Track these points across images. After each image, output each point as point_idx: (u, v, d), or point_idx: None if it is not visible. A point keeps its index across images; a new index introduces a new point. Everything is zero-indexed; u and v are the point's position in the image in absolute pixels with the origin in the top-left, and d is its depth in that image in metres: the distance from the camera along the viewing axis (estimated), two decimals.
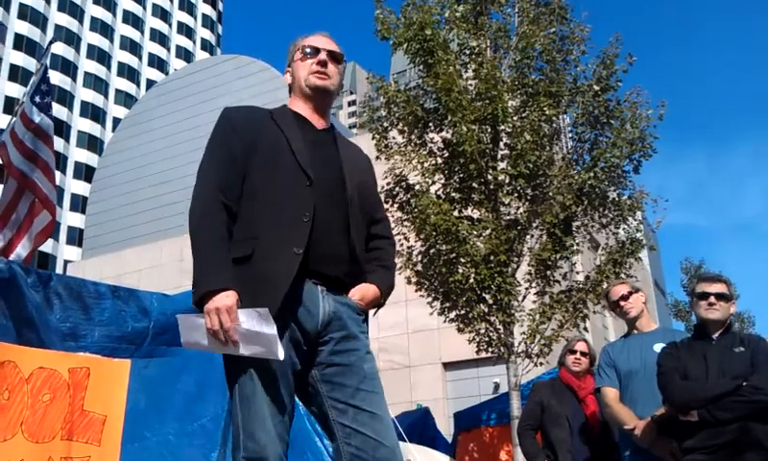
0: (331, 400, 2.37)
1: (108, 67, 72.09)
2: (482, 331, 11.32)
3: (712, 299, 3.84)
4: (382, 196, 11.92)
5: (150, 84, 67.42)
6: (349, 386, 2.37)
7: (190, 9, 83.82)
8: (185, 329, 2.28)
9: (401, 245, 11.78)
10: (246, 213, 2.39)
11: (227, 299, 2.19)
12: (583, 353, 5.31)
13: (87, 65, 69.88)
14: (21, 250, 6.11)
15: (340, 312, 2.43)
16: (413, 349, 24.45)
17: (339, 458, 2.34)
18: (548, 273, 11.43)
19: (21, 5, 65.84)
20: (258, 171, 2.43)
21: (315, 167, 2.46)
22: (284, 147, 2.47)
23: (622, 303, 4.55)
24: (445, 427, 14.34)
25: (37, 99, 6.38)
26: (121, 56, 73.85)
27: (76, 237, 59.33)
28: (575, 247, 11.30)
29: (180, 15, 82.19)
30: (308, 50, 2.64)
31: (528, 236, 11.51)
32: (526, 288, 11.52)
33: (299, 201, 2.40)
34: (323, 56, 2.63)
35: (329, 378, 2.38)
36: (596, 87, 11.20)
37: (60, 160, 63.07)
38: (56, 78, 62.24)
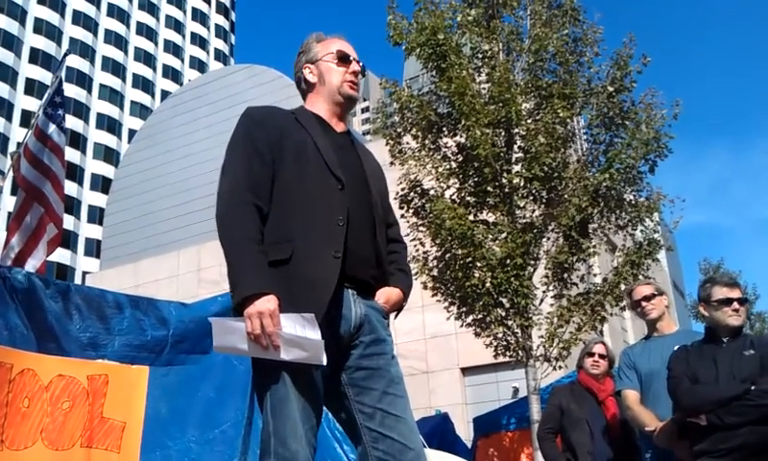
0: (358, 404, 2.37)
1: (123, 79, 72.69)
2: (499, 335, 11.29)
3: (736, 304, 3.75)
4: (397, 202, 11.94)
5: (164, 94, 67.90)
6: (377, 390, 2.37)
7: (203, 19, 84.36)
8: (219, 333, 2.25)
9: (417, 250, 11.78)
10: (278, 215, 2.37)
11: (269, 303, 2.16)
12: (601, 356, 5.28)
13: (102, 78, 70.49)
14: (35, 260, 6.14)
15: (370, 316, 2.43)
16: (431, 354, 24.41)
17: None
18: (565, 276, 11.39)
19: (36, 19, 66.58)
20: (288, 172, 2.41)
21: (342, 170, 2.46)
22: (312, 148, 2.46)
23: (644, 304, 4.52)
24: (465, 433, 14.30)
25: (50, 111, 6.43)
26: (135, 67, 74.44)
27: (94, 248, 59.73)
28: (592, 249, 11.24)
29: (193, 26, 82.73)
30: (343, 56, 2.64)
31: (544, 239, 11.48)
32: (543, 291, 11.48)
33: (332, 205, 2.39)
34: (358, 67, 2.65)
35: (357, 382, 2.38)
36: (610, 89, 11.17)
37: (77, 172, 63.67)
38: (71, 91, 62.84)
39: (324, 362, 2.19)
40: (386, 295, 2.53)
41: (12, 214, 6.43)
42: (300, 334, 2.17)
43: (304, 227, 2.34)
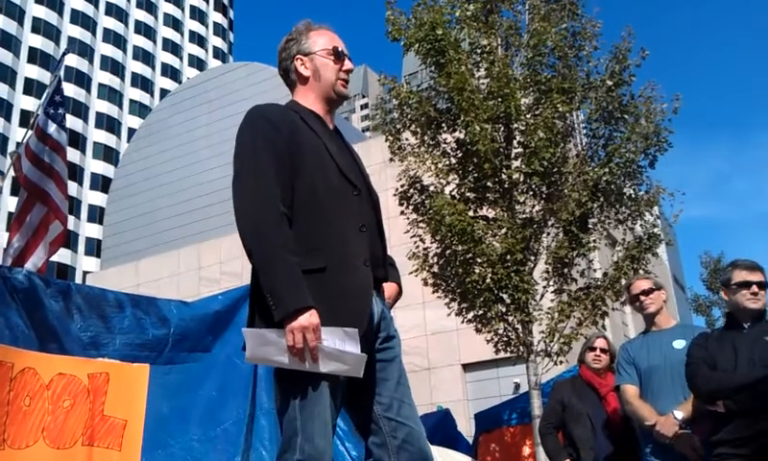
0: (377, 396, 2.43)
1: (122, 78, 72.62)
2: (500, 331, 11.28)
3: (755, 288, 3.69)
4: (396, 198, 11.94)
5: (163, 93, 67.85)
6: (392, 380, 2.44)
7: (201, 17, 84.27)
8: (254, 345, 2.25)
9: (417, 247, 11.79)
10: (304, 222, 2.33)
11: (312, 318, 2.16)
12: (603, 350, 5.29)
13: (101, 76, 70.43)
14: (36, 259, 6.16)
15: (384, 313, 2.50)
16: (432, 351, 24.42)
17: (383, 451, 2.38)
18: (566, 271, 11.38)
19: (34, 18, 66.50)
20: (309, 178, 2.38)
21: (350, 174, 2.48)
22: (324, 152, 2.44)
23: (642, 298, 4.51)
24: (466, 429, 14.31)
25: (51, 110, 6.45)
26: (134, 66, 74.37)
27: (94, 248, 59.75)
28: (592, 244, 11.23)
29: (191, 24, 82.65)
30: (338, 53, 2.61)
31: (544, 234, 11.47)
32: (544, 287, 11.48)
33: (353, 211, 2.42)
34: (351, 65, 2.63)
35: (376, 374, 2.44)
36: (609, 83, 11.14)
37: (77, 172, 63.63)
38: (70, 90, 62.79)
39: (362, 375, 2.24)
40: (389, 290, 2.59)
41: (14, 214, 6.45)
42: (339, 348, 2.20)
43: (333, 235, 2.34)
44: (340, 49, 2.61)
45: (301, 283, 2.19)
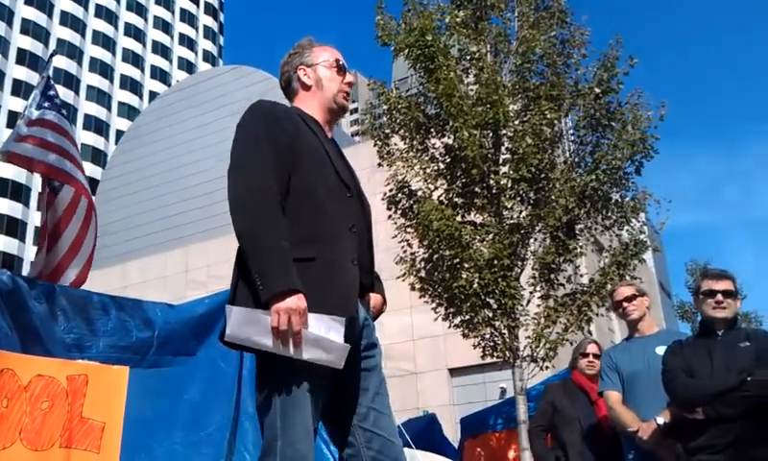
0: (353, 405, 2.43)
1: (111, 80, 72.34)
2: (487, 336, 11.29)
3: (719, 297, 3.74)
4: (384, 203, 11.94)
5: (152, 96, 67.68)
6: (371, 390, 2.44)
7: (191, 20, 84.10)
8: (237, 323, 2.21)
9: (405, 251, 11.78)
10: (297, 214, 2.35)
11: (300, 301, 2.15)
12: (595, 356, 5.33)
13: (90, 79, 70.14)
14: (70, 271, 5.89)
15: (368, 320, 2.51)
16: (418, 355, 24.43)
17: None
18: (552, 276, 11.41)
19: (23, 19, 66.19)
20: (306, 173, 2.41)
21: (345, 176, 2.52)
22: (323, 153, 2.49)
23: (625, 305, 4.54)
24: (452, 433, 14.30)
25: (47, 104, 6.34)
26: (123, 68, 74.11)
27: None
28: (578, 250, 11.27)
29: (181, 27, 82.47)
30: (341, 66, 2.68)
31: (531, 240, 11.49)
32: (530, 292, 11.49)
33: (346, 211, 2.45)
34: (353, 78, 2.70)
35: (357, 383, 2.44)
36: (597, 90, 11.19)
37: None
38: (59, 92, 62.35)
39: (341, 366, 2.23)
40: (374, 300, 2.60)
41: (42, 226, 6.13)
42: (324, 336, 2.18)
43: (325, 230, 2.36)
44: (342, 62, 2.68)
45: (291, 267, 2.19)
